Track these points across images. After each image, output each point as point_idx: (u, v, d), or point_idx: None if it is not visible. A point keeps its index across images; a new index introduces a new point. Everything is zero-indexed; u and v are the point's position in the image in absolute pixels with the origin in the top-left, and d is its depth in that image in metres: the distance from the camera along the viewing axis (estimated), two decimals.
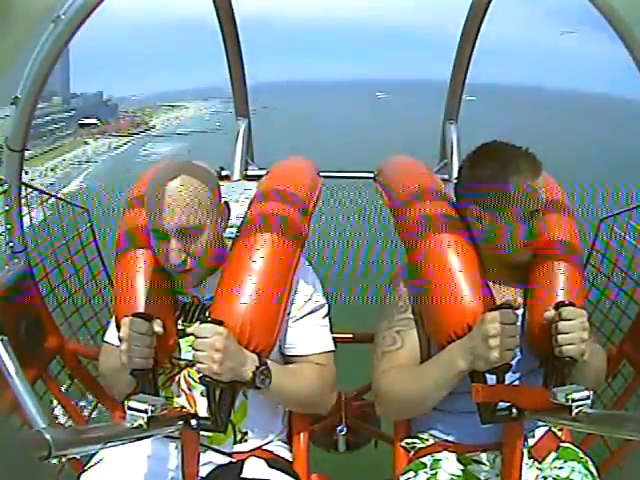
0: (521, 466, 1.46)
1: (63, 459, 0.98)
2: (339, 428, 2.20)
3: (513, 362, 1.39)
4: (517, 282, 1.59)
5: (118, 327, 1.43)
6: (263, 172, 2.31)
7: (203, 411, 1.45)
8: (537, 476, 1.51)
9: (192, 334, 1.39)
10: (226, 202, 1.56)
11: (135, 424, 1.21)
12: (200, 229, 1.43)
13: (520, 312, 1.54)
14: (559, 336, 1.37)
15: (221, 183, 1.61)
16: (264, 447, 1.61)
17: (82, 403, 2.15)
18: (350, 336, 2.33)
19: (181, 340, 1.54)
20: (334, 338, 1.65)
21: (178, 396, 1.55)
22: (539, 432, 1.58)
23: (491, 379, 1.41)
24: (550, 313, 1.40)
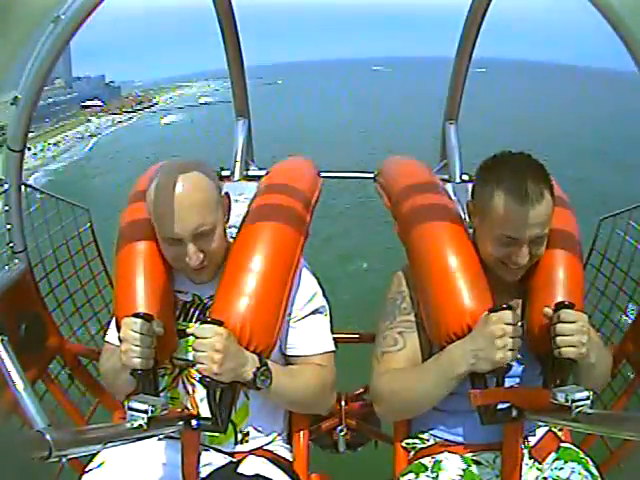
0: (521, 466, 1.46)
1: (63, 459, 0.98)
2: (339, 428, 2.20)
3: (513, 363, 1.39)
4: (517, 282, 1.59)
5: (118, 327, 1.43)
6: (263, 172, 2.31)
7: (204, 411, 1.45)
8: (537, 477, 1.51)
9: (192, 334, 1.39)
10: (226, 193, 1.56)
11: (135, 424, 1.21)
12: (214, 228, 1.45)
13: (519, 312, 1.54)
14: (558, 338, 1.36)
15: (221, 183, 1.61)
16: (265, 447, 1.61)
17: (82, 403, 2.14)
18: (351, 336, 2.33)
19: (181, 340, 1.55)
20: (335, 338, 1.65)
21: (182, 396, 1.55)
22: (539, 432, 1.58)
23: (491, 380, 1.41)
24: (549, 311, 1.40)
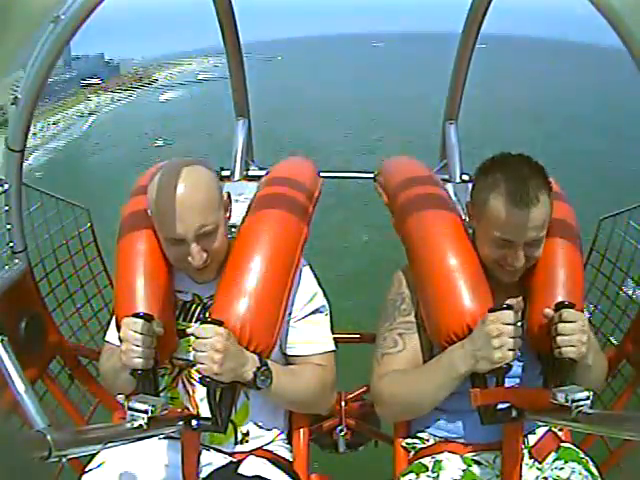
0: (521, 466, 1.46)
1: (63, 459, 0.98)
2: (339, 428, 2.20)
3: (513, 363, 1.39)
4: (518, 282, 1.59)
5: (118, 327, 1.43)
6: (263, 172, 2.31)
7: (204, 411, 1.45)
8: (537, 476, 1.51)
9: (192, 334, 1.39)
10: (227, 192, 1.57)
11: (135, 424, 1.21)
12: (217, 227, 1.45)
13: (520, 312, 1.54)
14: (559, 338, 1.37)
15: (221, 183, 1.61)
16: (265, 447, 1.61)
17: (82, 403, 2.14)
18: (351, 336, 2.33)
19: (181, 340, 1.55)
20: (335, 338, 1.65)
21: (182, 396, 1.55)
22: (539, 432, 1.58)
23: (491, 380, 1.41)
24: (550, 311, 1.40)
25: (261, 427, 1.61)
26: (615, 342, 2.06)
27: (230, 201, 1.57)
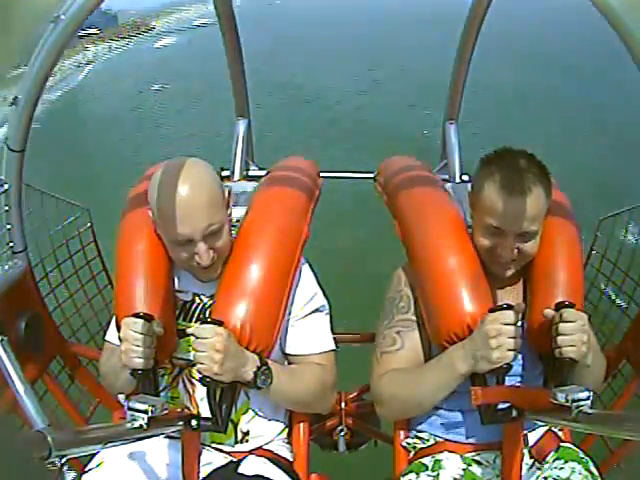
0: (521, 466, 1.46)
1: (63, 459, 0.98)
2: (339, 428, 2.20)
3: (513, 363, 1.39)
4: (518, 282, 1.59)
5: (118, 327, 1.43)
6: (263, 172, 2.31)
7: (204, 411, 1.45)
8: (537, 476, 1.50)
9: (192, 334, 1.39)
10: (228, 189, 1.56)
11: (135, 424, 1.21)
12: (222, 225, 1.44)
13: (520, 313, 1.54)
14: (559, 337, 1.36)
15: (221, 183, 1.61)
16: (265, 447, 1.61)
17: (82, 403, 2.15)
18: (351, 336, 2.33)
19: (181, 340, 1.55)
20: (335, 338, 1.65)
21: (182, 396, 1.55)
22: (539, 432, 1.58)
23: (491, 380, 1.41)
24: (550, 311, 1.40)
25: (261, 426, 1.61)
26: (615, 342, 2.07)
27: (230, 198, 1.57)
